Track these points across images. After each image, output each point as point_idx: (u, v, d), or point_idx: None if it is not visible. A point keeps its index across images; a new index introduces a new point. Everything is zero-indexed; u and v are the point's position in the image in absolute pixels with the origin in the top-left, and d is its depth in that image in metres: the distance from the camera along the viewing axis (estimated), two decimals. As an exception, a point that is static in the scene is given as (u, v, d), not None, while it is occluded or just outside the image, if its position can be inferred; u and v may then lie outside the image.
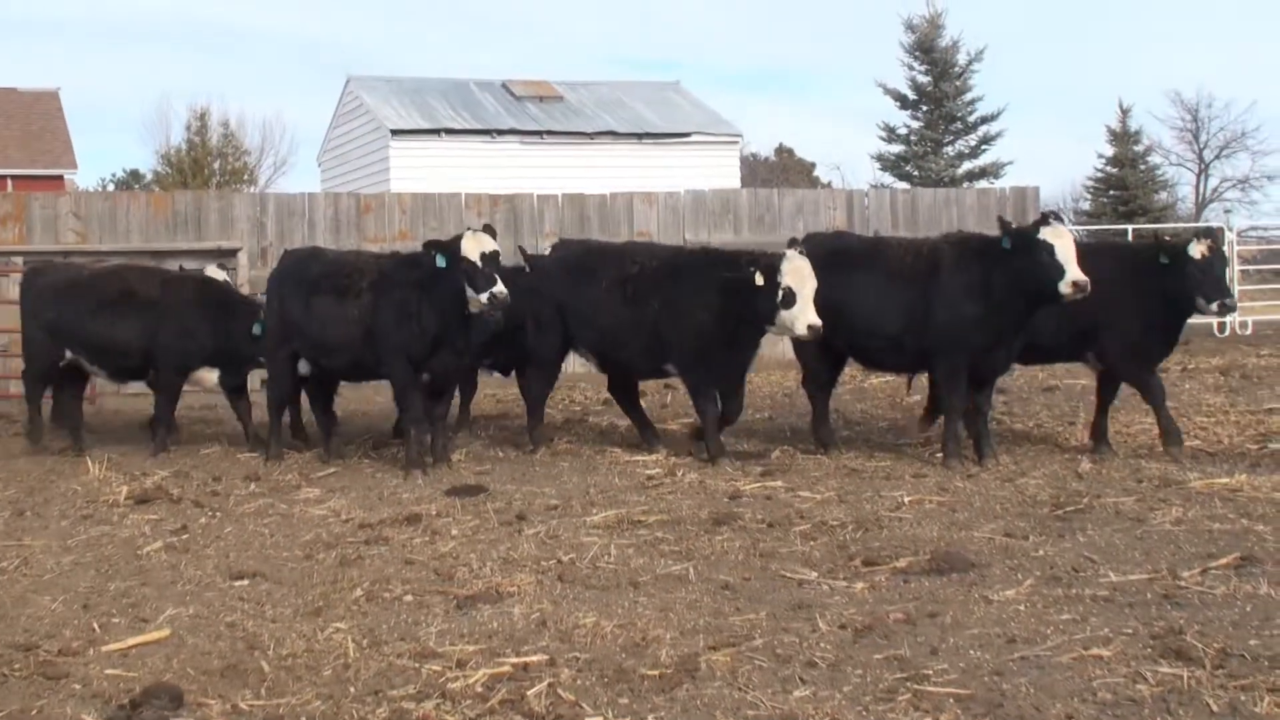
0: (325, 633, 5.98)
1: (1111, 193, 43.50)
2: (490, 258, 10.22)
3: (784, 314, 9.95)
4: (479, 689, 5.16)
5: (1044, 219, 9.86)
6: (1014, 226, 9.96)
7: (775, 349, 14.70)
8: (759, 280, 10.02)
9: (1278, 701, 4.75)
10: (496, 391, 15.09)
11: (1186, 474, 9.24)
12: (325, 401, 11.76)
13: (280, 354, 11.24)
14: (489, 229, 10.59)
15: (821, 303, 9.99)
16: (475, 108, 34.62)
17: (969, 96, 45.12)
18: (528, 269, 11.62)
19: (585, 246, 12.53)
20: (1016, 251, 9.76)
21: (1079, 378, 15.69)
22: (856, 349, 10.84)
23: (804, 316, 9.89)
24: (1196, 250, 10.08)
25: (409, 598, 6.61)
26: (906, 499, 8.72)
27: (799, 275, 9.97)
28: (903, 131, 45.85)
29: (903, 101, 45.82)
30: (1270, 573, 6.51)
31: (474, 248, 10.22)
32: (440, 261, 10.29)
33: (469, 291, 10.15)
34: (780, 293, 9.94)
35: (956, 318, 9.95)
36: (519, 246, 13.40)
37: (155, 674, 5.48)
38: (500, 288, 10.11)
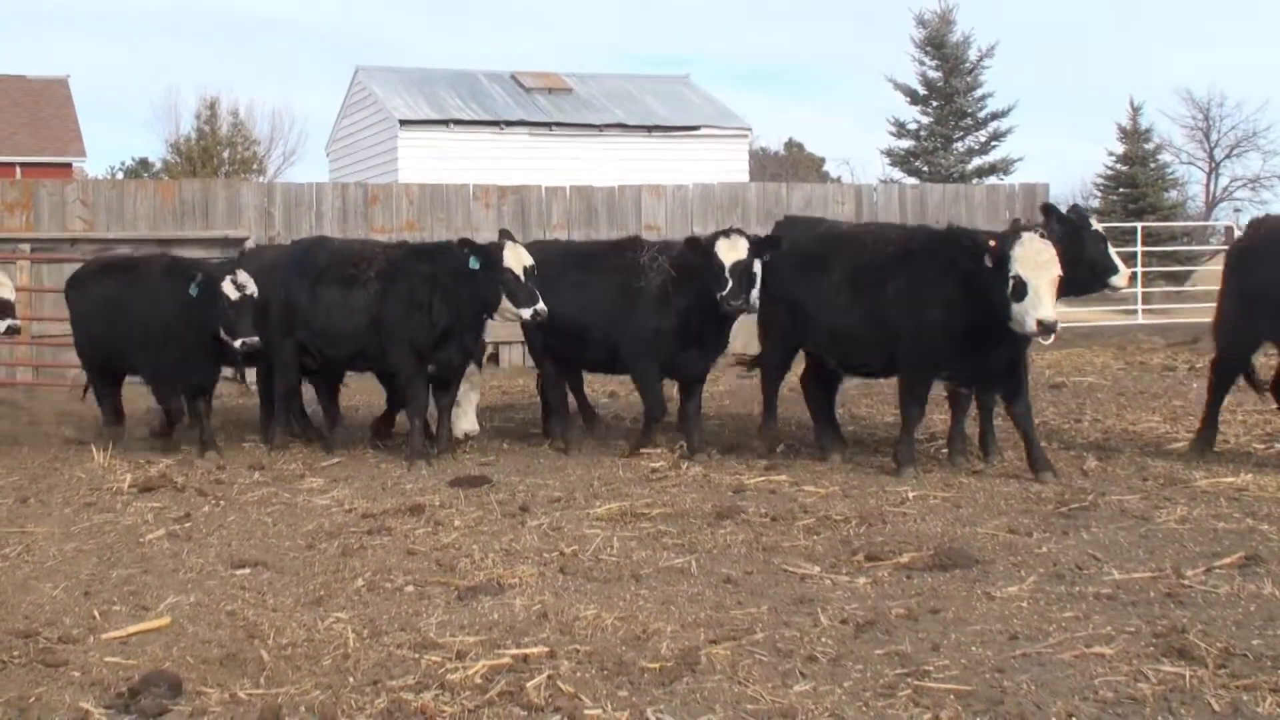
0: (326, 622, 5.97)
1: (1121, 190, 43.35)
2: (530, 272, 10.12)
3: (1014, 307, 8.66)
4: (478, 680, 5.14)
5: (1075, 210, 9.85)
6: (1063, 214, 9.78)
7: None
8: (988, 260, 8.77)
9: (1280, 701, 4.73)
10: (502, 383, 15.10)
11: (1192, 473, 9.21)
12: (330, 392, 11.77)
13: (286, 343, 11.20)
14: (507, 234, 10.55)
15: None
16: (484, 99, 34.59)
17: (979, 92, 45.03)
18: (765, 257, 10.33)
19: (811, 231, 10.85)
20: (1065, 242, 9.47)
21: (1085, 375, 15.67)
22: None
23: (1034, 311, 8.54)
24: None
25: (410, 588, 6.60)
26: (911, 494, 8.69)
27: (1031, 261, 8.63)
28: (913, 127, 45.77)
29: (913, 97, 45.73)
30: (1275, 573, 6.48)
31: (516, 260, 10.09)
32: (474, 263, 10.16)
33: (506, 303, 10.06)
34: (1010, 282, 8.69)
35: None
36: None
37: (155, 662, 5.48)
38: (542, 305, 10.02)
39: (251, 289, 10.68)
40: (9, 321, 12.19)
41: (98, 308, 11.78)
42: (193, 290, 10.81)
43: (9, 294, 12.30)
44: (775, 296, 10.30)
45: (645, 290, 10.51)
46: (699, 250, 10.16)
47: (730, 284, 9.85)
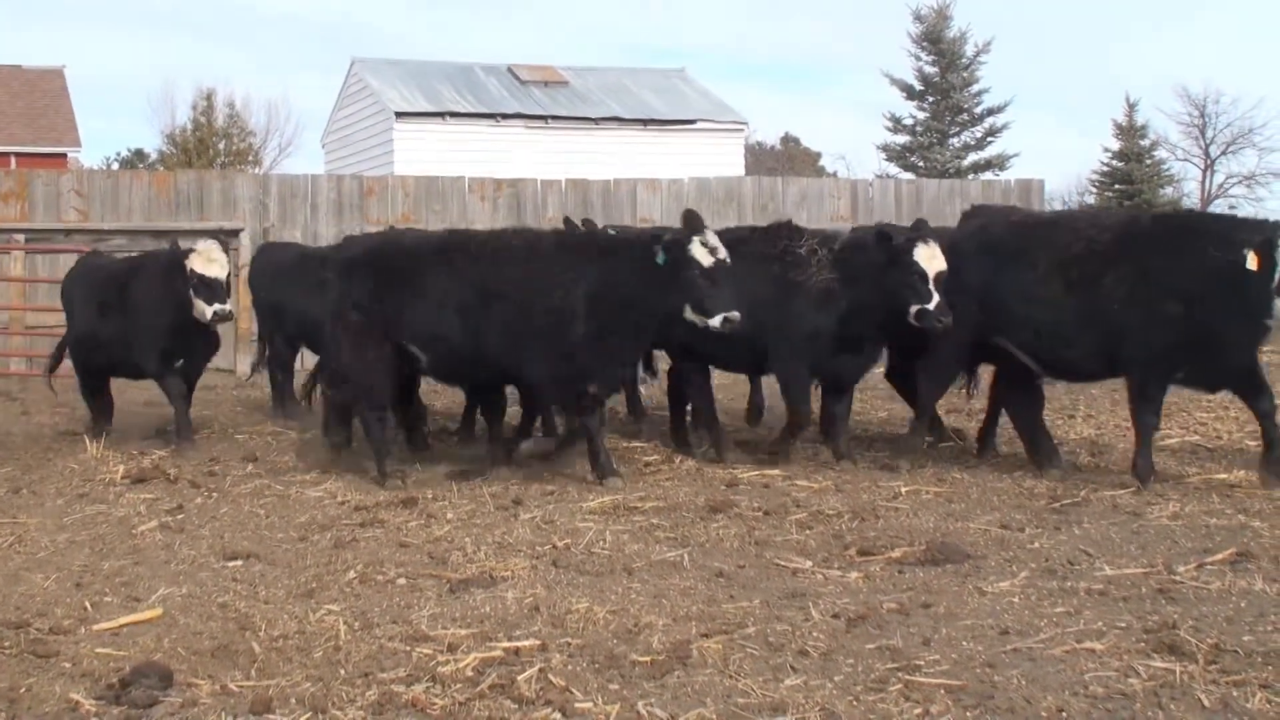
0: (317, 614, 5.97)
1: (1117, 187, 43.50)
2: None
3: (1278, 303, 7.96)
4: (469, 673, 5.14)
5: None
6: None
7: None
8: (1253, 263, 7.90)
9: (1270, 697, 4.73)
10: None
11: (1184, 469, 9.22)
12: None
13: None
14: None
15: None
16: (480, 91, 34.57)
17: (976, 88, 45.15)
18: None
19: (1009, 220, 9.92)
20: None
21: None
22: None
23: None
24: None
25: (402, 581, 6.59)
26: (903, 489, 8.70)
27: None
28: (909, 122, 45.86)
29: (909, 92, 45.80)
30: (1265, 569, 6.49)
31: (705, 255, 8.45)
32: (660, 258, 8.58)
33: (688, 310, 8.53)
34: (1277, 276, 7.89)
35: None
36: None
37: (146, 653, 5.47)
38: (736, 312, 8.42)
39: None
40: (217, 306, 10.32)
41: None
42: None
43: (219, 272, 10.40)
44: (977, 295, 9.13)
45: (805, 285, 9.37)
46: (891, 252, 8.93)
47: (936, 298, 8.72)
